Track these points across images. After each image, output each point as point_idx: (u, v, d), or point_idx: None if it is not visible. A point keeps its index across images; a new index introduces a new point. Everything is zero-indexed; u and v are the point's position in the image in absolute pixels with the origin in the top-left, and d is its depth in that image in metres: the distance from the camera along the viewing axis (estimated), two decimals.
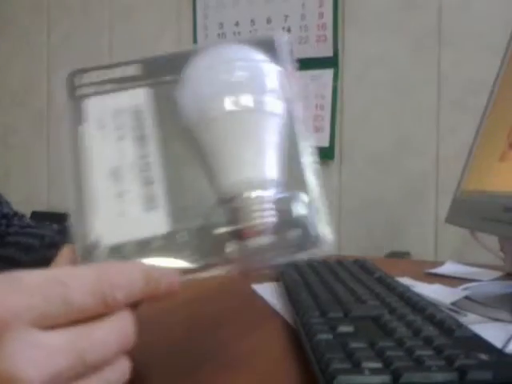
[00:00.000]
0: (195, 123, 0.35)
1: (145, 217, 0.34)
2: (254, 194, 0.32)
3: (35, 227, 0.63)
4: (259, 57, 0.37)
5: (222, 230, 0.32)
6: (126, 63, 0.39)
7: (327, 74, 1.86)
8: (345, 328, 0.44)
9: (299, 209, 0.33)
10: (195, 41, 2.08)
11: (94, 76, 0.39)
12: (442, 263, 0.91)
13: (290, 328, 0.52)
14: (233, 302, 0.64)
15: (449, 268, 0.88)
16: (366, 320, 0.47)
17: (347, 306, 0.51)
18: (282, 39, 0.38)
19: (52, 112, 2.37)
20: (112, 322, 0.29)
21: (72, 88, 0.40)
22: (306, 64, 1.90)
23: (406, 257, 1.63)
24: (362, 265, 0.74)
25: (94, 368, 0.28)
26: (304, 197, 0.34)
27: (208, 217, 0.33)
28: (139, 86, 0.38)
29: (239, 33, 2.00)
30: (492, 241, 0.78)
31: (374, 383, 0.34)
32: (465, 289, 0.71)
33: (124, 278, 0.30)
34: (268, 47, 0.38)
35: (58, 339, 0.26)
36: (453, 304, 0.62)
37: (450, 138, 1.70)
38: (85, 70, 0.39)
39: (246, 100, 0.34)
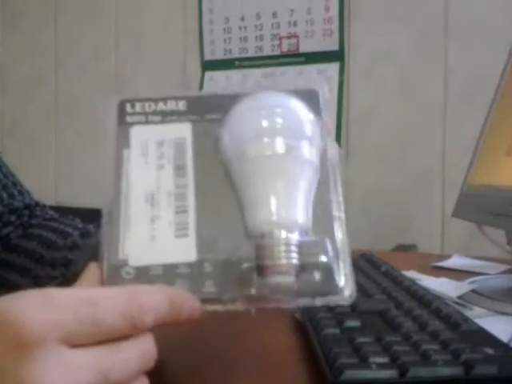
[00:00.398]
0: (232, 160, 0.37)
1: (174, 243, 0.35)
2: (282, 234, 0.34)
3: (58, 220, 0.63)
4: (298, 105, 0.39)
5: (246, 264, 0.33)
6: (174, 98, 0.41)
7: (333, 68, 1.86)
8: (352, 322, 0.45)
9: (323, 255, 0.34)
10: (200, 35, 2.08)
11: (142, 106, 0.41)
12: (448, 256, 0.91)
13: (297, 322, 0.53)
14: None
15: (455, 261, 0.88)
16: (373, 314, 0.48)
17: (354, 300, 0.51)
18: (322, 89, 0.41)
19: (60, 104, 2.38)
20: (136, 343, 0.30)
21: (122, 114, 0.41)
22: (311, 58, 1.90)
23: (412, 250, 1.62)
24: (368, 258, 0.74)
25: None
26: (329, 245, 0.35)
27: (235, 251, 0.34)
28: (183, 120, 0.40)
29: (245, 27, 2.00)
30: (499, 234, 0.78)
31: (381, 378, 0.34)
32: (471, 282, 0.72)
33: (152, 302, 0.31)
34: (307, 96, 0.40)
35: (85, 357, 0.27)
36: (459, 298, 0.62)
37: (456, 131, 1.69)
38: (136, 100, 0.41)
39: (281, 144, 0.36)
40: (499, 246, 0.80)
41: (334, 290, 0.34)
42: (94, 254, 0.48)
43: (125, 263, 0.35)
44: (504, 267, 0.83)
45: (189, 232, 0.35)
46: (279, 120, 0.37)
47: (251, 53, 2.00)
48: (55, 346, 0.26)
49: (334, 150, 0.39)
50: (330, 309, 0.49)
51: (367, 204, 1.79)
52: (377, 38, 1.80)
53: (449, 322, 0.44)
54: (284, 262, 0.33)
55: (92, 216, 0.63)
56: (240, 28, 2.01)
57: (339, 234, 0.36)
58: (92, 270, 0.35)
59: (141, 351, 0.30)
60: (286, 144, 0.36)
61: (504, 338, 0.42)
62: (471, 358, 0.36)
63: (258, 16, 1.97)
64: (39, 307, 0.27)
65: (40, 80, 2.40)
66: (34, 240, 0.59)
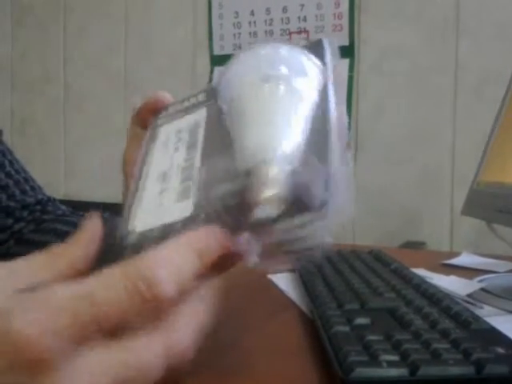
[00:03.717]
0: (227, 102, 0.37)
1: (176, 206, 0.35)
2: (263, 168, 0.31)
3: (70, 215, 0.63)
4: (301, 52, 0.38)
5: (233, 202, 0.31)
6: (196, 93, 0.44)
7: (343, 63, 1.85)
8: (361, 320, 0.45)
9: (316, 182, 0.31)
10: (210, 30, 2.08)
11: (173, 108, 0.45)
12: (457, 254, 0.91)
13: (307, 318, 0.53)
14: (249, 293, 0.65)
15: (464, 259, 0.88)
16: (383, 312, 0.47)
17: (363, 297, 0.51)
18: (329, 42, 0.40)
19: (68, 101, 2.39)
20: (158, 334, 0.26)
21: (155, 120, 0.46)
22: None
23: (421, 247, 1.62)
24: (377, 255, 0.74)
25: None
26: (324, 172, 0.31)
27: (224, 195, 0.31)
28: (200, 107, 0.43)
29: (254, 22, 1.99)
30: (508, 232, 0.77)
31: (391, 376, 0.34)
32: (481, 280, 0.71)
33: (162, 264, 0.26)
34: (314, 47, 0.39)
35: (97, 361, 0.25)
36: (469, 296, 0.62)
37: (466, 128, 1.68)
38: (170, 104, 0.46)
39: (278, 78, 0.35)
40: (509, 244, 0.79)
41: (325, 208, 0.30)
42: (107, 242, 0.49)
43: (131, 231, 0.35)
44: None
45: (190, 194, 0.35)
46: (279, 61, 0.36)
47: None
48: (63, 354, 0.24)
49: (338, 97, 0.36)
50: (340, 306, 0.49)
51: (376, 200, 1.79)
52: (387, 33, 1.79)
53: (459, 320, 0.44)
54: (265, 196, 0.30)
55: (100, 210, 0.63)
56: (250, 23, 2.01)
57: (336, 163, 0.32)
58: (88, 229, 0.32)
59: (164, 344, 0.26)
60: (284, 78, 0.35)
61: None
62: (482, 357, 0.36)
63: (268, 11, 1.97)
64: (36, 318, 0.24)
65: (49, 77, 2.41)
66: (48, 234, 0.59)
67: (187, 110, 0.43)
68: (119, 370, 0.25)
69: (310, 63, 0.37)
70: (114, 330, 0.26)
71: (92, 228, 0.32)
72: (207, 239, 0.29)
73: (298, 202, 0.30)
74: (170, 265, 0.26)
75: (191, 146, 0.39)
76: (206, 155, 0.37)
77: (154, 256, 0.27)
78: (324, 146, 0.32)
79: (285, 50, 0.38)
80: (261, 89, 0.35)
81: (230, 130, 0.35)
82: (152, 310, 0.26)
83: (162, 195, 0.37)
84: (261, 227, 0.30)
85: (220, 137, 0.36)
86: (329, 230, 0.31)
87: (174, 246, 0.28)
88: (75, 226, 0.58)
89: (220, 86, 0.39)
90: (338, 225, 0.31)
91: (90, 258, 0.31)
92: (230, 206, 0.31)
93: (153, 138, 0.44)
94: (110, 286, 0.25)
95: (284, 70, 0.36)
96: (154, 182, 0.39)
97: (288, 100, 0.35)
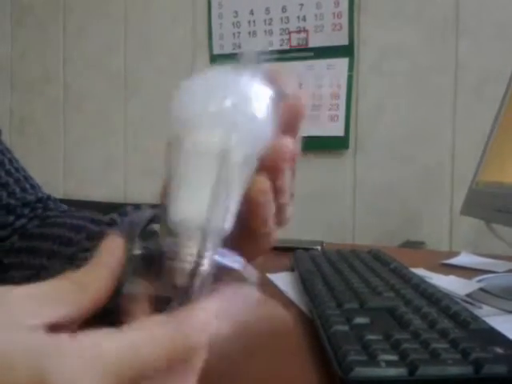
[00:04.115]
0: (172, 139, 0.34)
1: None
2: (188, 238, 0.31)
3: (79, 212, 0.63)
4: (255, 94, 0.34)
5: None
6: None
7: (342, 62, 1.85)
8: (361, 320, 0.45)
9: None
10: (209, 29, 2.08)
11: None
12: (456, 254, 0.91)
13: (306, 318, 0.53)
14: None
15: (464, 259, 0.88)
16: (382, 312, 0.48)
17: (363, 297, 0.51)
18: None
19: (68, 101, 2.39)
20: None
21: None
22: (320, 53, 1.89)
23: (420, 247, 1.62)
24: (376, 255, 0.74)
25: None
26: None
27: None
28: None
29: (254, 21, 1.99)
30: (508, 232, 0.78)
31: (390, 376, 0.34)
32: (480, 280, 0.71)
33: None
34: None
35: None
36: (467, 296, 0.62)
37: (466, 127, 1.68)
38: None
39: (220, 146, 0.32)
40: (508, 243, 0.79)
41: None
42: (132, 230, 0.48)
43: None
44: None
45: None
46: (227, 111, 0.33)
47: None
48: None
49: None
50: (339, 305, 0.49)
51: (375, 200, 1.79)
52: (386, 32, 1.79)
53: (458, 320, 0.44)
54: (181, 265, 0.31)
55: (100, 210, 0.63)
56: (249, 22, 2.00)
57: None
58: (109, 245, 0.32)
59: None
60: (224, 147, 0.32)
61: None
62: (481, 357, 0.36)
63: (268, 10, 1.97)
64: (73, 366, 0.24)
65: (48, 76, 2.41)
66: (61, 227, 0.58)
67: None
68: None
69: (264, 110, 0.34)
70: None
71: (115, 252, 0.32)
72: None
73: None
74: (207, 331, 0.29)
75: None
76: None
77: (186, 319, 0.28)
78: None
79: (238, 92, 0.34)
80: (203, 157, 0.33)
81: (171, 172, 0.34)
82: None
83: None
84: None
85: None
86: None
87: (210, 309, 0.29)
88: (88, 219, 0.57)
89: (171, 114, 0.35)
90: None
91: (112, 286, 0.30)
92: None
93: None
94: (155, 344, 0.26)
95: (234, 132, 0.32)
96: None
97: (228, 174, 0.32)
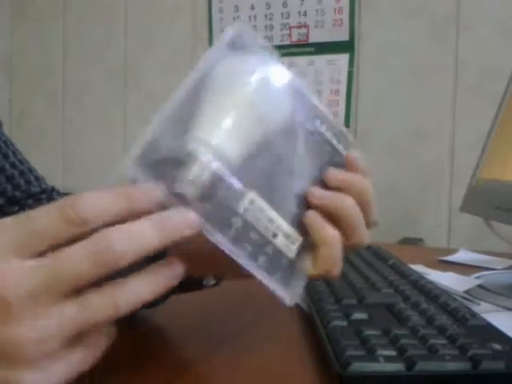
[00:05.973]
0: (210, 77, 0.37)
1: None
2: (202, 156, 0.32)
3: None
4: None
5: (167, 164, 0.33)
6: None
7: (343, 58, 1.85)
8: (359, 315, 0.45)
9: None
10: (210, 24, 2.07)
11: None
12: (455, 251, 0.91)
13: (304, 313, 0.53)
14: (246, 288, 0.65)
15: (462, 256, 0.88)
16: (380, 307, 0.48)
17: (361, 293, 0.51)
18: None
19: (67, 94, 2.38)
20: (86, 242, 0.29)
21: None
22: (321, 48, 1.89)
23: (419, 243, 1.62)
24: (375, 251, 0.74)
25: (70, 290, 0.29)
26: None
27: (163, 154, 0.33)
28: None
29: (255, 16, 1.99)
30: (506, 229, 0.78)
31: (388, 371, 0.35)
32: (478, 277, 0.71)
33: (92, 198, 0.30)
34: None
35: (30, 262, 0.29)
36: (466, 292, 0.62)
37: (466, 125, 1.68)
38: None
39: (259, 83, 0.35)
40: (506, 241, 0.79)
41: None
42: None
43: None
44: (511, 262, 0.82)
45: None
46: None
47: None
48: (3, 257, 0.28)
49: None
50: (338, 301, 0.50)
51: (374, 196, 1.79)
52: (387, 28, 1.78)
53: (456, 316, 0.44)
54: (187, 176, 0.32)
55: None
56: (250, 17, 2.00)
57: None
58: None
59: (91, 247, 0.29)
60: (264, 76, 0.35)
61: (511, 333, 0.42)
62: (479, 353, 0.36)
63: (268, 5, 1.96)
64: None
65: (48, 70, 2.40)
66: None
67: None
68: (72, 324, 0.28)
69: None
70: (48, 251, 0.29)
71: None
72: (140, 190, 0.31)
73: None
74: (94, 197, 0.30)
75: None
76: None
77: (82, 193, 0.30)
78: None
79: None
80: (237, 84, 0.35)
81: (200, 100, 0.35)
82: (75, 227, 0.29)
83: None
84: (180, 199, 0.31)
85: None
86: None
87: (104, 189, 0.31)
88: None
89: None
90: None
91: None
92: (163, 167, 0.32)
93: None
94: (45, 213, 0.30)
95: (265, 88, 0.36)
96: None
97: (255, 110, 0.35)
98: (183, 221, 0.31)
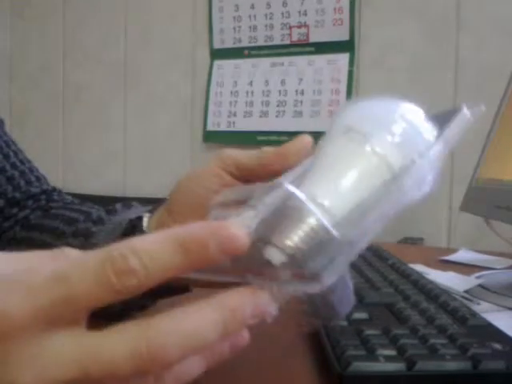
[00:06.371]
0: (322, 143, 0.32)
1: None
2: (311, 217, 0.27)
3: (79, 204, 0.63)
4: (417, 115, 0.34)
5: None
6: None
7: (343, 58, 1.85)
8: (359, 315, 0.45)
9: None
10: (210, 23, 2.07)
11: None
12: (455, 250, 0.91)
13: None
14: None
15: (462, 255, 0.88)
16: (380, 307, 0.48)
17: (361, 292, 0.51)
18: (465, 113, 0.34)
19: (67, 93, 2.38)
20: (126, 332, 0.25)
21: None
22: (321, 48, 1.89)
23: (419, 243, 1.62)
24: (375, 251, 0.74)
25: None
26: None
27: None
28: None
29: (255, 16, 1.99)
30: (506, 229, 0.78)
31: (388, 371, 0.34)
32: (478, 277, 0.71)
33: (135, 258, 0.24)
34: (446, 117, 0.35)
35: (65, 339, 0.25)
36: (466, 292, 0.62)
37: None
38: None
39: (381, 144, 0.31)
40: (507, 240, 0.79)
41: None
42: (116, 231, 0.48)
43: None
44: (511, 262, 0.82)
45: None
46: (396, 127, 0.32)
47: (261, 42, 1.99)
48: (35, 330, 0.24)
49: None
50: None
51: None
52: (387, 28, 1.78)
53: (456, 316, 0.44)
54: (290, 243, 0.26)
55: (99, 203, 0.63)
56: (250, 17, 2.00)
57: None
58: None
59: (131, 347, 0.24)
60: (390, 148, 0.31)
61: (511, 333, 0.42)
62: (479, 352, 0.36)
63: (268, 5, 1.96)
64: (11, 296, 0.24)
65: (48, 68, 2.40)
66: (56, 219, 0.58)
67: None
68: (88, 363, 0.24)
69: (419, 136, 0.33)
70: (86, 314, 0.25)
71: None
72: (200, 235, 0.25)
73: (307, 269, 0.27)
74: (144, 251, 0.25)
75: None
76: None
77: (128, 241, 0.25)
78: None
79: (399, 110, 0.34)
80: (345, 143, 0.31)
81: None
82: (119, 295, 0.25)
83: None
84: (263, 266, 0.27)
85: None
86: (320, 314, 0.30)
87: (157, 235, 0.26)
88: (84, 212, 0.57)
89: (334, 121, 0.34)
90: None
91: None
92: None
93: None
94: (83, 268, 0.25)
95: (383, 133, 0.31)
96: None
97: (364, 166, 0.30)
98: (254, 311, 0.27)
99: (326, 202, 0.28)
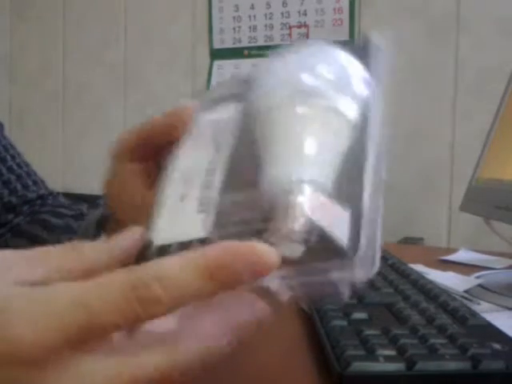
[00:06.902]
0: (258, 114, 0.33)
1: (195, 220, 0.32)
2: (295, 194, 0.27)
3: (66, 207, 0.63)
4: (346, 58, 0.34)
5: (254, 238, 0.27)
6: (229, 83, 0.40)
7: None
8: (359, 315, 0.45)
9: (341, 226, 0.27)
10: (210, 23, 2.07)
11: (205, 96, 0.41)
12: (455, 250, 0.91)
13: (303, 313, 0.53)
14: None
15: (462, 255, 0.88)
16: (380, 307, 0.48)
17: (361, 292, 0.51)
18: (379, 46, 0.36)
19: (67, 94, 2.38)
20: (157, 348, 0.25)
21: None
22: None
23: (419, 243, 1.62)
24: None
25: None
26: (349, 215, 0.28)
27: (250, 221, 0.28)
28: (232, 101, 0.38)
29: (254, 16, 1.99)
30: (506, 229, 0.78)
31: (388, 371, 0.34)
32: (478, 277, 0.71)
33: (158, 286, 0.24)
34: (362, 51, 0.35)
35: (89, 372, 0.25)
36: (466, 292, 0.62)
37: (466, 124, 1.68)
38: (202, 91, 0.41)
39: (316, 93, 0.31)
40: (507, 240, 0.79)
41: (343, 259, 0.27)
42: (85, 236, 0.47)
43: (150, 242, 0.33)
44: (511, 262, 0.82)
45: (209, 208, 0.32)
46: (317, 71, 0.32)
47: (260, 42, 1.99)
48: (57, 357, 0.24)
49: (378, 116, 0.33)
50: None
51: None
52: (387, 28, 1.78)
53: (456, 316, 0.44)
54: (291, 227, 0.26)
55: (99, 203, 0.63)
56: (250, 17, 2.00)
57: (367, 200, 0.29)
58: (130, 235, 0.31)
59: (164, 359, 0.25)
60: (322, 93, 0.31)
61: (511, 333, 0.42)
62: (479, 352, 0.36)
63: (268, 5, 1.96)
64: (34, 320, 0.24)
65: (48, 69, 2.40)
66: (39, 225, 0.59)
67: (219, 101, 0.39)
68: (114, 382, 0.25)
69: (357, 77, 0.33)
70: (110, 338, 0.25)
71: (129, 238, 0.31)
72: (224, 257, 0.25)
73: (322, 245, 0.27)
74: (168, 279, 0.24)
75: (218, 146, 0.36)
76: (231, 166, 0.34)
77: (152, 267, 0.25)
78: (358, 186, 0.30)
79: (330, 57, 0.34)
80: (294, 109, 0.31)
81: (259, 146, 0.32)
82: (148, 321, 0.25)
83: (183, 202, 0.34)
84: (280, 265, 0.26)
85: (248, 152, 0.33)
86: (348, 283, 0.28)
87: (181, 260, 0.25)
88: (67, 217, 0.58)
89: (252, 92, 0.34)
90: (360, 280, 0.27)
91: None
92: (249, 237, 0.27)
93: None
94: (106, 295, 0.24)
95: (326, 86, 0.31)
96: (178, 183, 0.36)
97: (324, 125, 0.31)
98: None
99: (315, 176, 0.28)
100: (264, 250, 0.25)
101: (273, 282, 0.27)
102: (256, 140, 0.32)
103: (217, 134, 0.37)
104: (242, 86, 0.38)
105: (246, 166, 0.33)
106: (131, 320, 0.24)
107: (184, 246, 0.31)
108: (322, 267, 0.27)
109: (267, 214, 0.27)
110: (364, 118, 0.32)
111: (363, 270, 0.27)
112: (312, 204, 0.27)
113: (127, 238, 0.31)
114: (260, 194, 0.29)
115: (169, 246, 0.32)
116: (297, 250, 0.26)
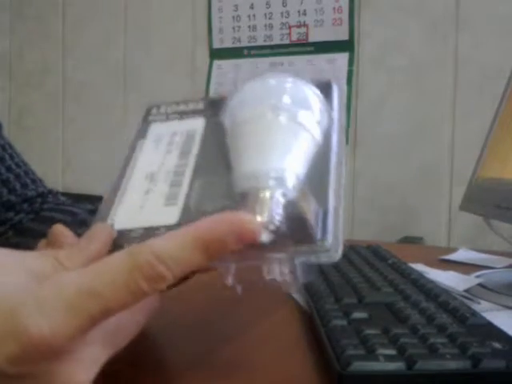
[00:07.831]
0: (228, 127, 0.37)
1: (161, 211, 0.35)
2: (265, 191, 0.31)
3: (70, 205, 0.63)
4: (309, 87, 0.38)
5: None
6: (195, 100, 0.45)
7: (342, 57, 1.85)
8: (359, 314, 0.45)
9: (307, 211, 0.31)
10: (209, 23, 2.07)
11: (166, 108, 0.46)
12: (455, 250, 0.91)
13: (304, 312, 0.53)
14: (245, 286, 0.65)
15: (462, 255, 0.88)
16: (380, 306, 0.48)
17: (361, 292, 0.51)
18: (338, 87, 0.40)
19: (67, 93, 2.38)
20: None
21: (146, 115, 0.46)
22: (321, 47, 1.89)
23: (419, 242, 1.62)
24: (375, 250, 0.74)
25: None
26: (315, 203, 0.32)
27: (215, 212, 0.30)
28: (198, 116, 0.43)
29: (254, 16, 1.99)
30: (506, 228, 0.78)
31: (388, 370, 0.34)
32: (478, 276, 0.71)
33: (155, 259, 0.26)
34: (322, 87, 0.39)
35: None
36: (466, 291, 0.62)
37: (466, 123, 1.68)
38: (162, 104, 0.46)
39: (284, 109, 0.35)
40: (506, 239, 0.79)
41: (315, 243, 0.31)
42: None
43: (111, 226, 0.36)
44: (511, 261, 0.82)
45: (178, 201, 0.35)
46: (284, 90, 0.37)
47: (260, 41, 1.99)
48: (74, 345, 0.26)
49: (341, 139, 0.37)
50: (338, 300, 0.49)
51: (374, 195, 1.79)
52: (387, 27, 1.78)
53: (456, 315, 0.44)
54: (260, 219, 0.29)
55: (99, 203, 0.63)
56: (249, 16, 2.00)
57: (332, 200, 0.33)
58: (98, 233, 0.34)
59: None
60: (283, 109, 0.35)
61: (511, 332, 0.42)
62: (479, 351, 0.36)
63: (268, 4, 1.96)
64: (48, 316, 0.25)
65: (47, 69, 2.40)
66: (45, 223, 0.59)
67: (183, 115, 0.44)
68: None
69: (316, 100, 0.38)
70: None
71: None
72: (218, 232, 0.28)
73: (291, 234, 0.30)
74: (168, 256, 0.27)
75: (185, 153, 0.40)
76: (200, 168, 0.38)
77: (150, 245, 0.27)
78: (324, 183, 0.33)
79: (292, 83, 0.38)
80: (265, 117, 0.35)
81: (229, 149, 0.36)
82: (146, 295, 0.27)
83: (148, 196, 0.37)
84: (248, 251, 0.29)
85: (218, 153, 0.37)
86: (313, 268, 0.31)
87: (177, 236, 0.28)
88: (71, 213, 0.58)
89: (227, 108, 0.39)
90: (324, 264, 0.31)
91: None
92: None
93: (143, 133, 0.44)
94: (113, 281, 0.26)
95: (290, 102, 0.36)
96: (141, 181, 0.39)
97: (290, 131, 0.35)
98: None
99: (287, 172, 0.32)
100: (250, 224, 0.28)
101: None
102: (225, 147, 0.36)
103: (181, 141, 0.41)
104: (207, 105, 0.44)
105: (213, 168, 0.36)
106: (139, 298, 0.27)
107: (149, 231, 0.34)
108: (293, 251, 0.30)
109: (236, 206, 0.30)
110: (326, 139, 0.37)
111: (331, 254, 0.32)
112: (280, 197, 0.31)
113: (100, 236, 0.34)
114: (230, 188, 0.33)
115: (129, 230, 0.34)
116: (266, 238, 0.29)
